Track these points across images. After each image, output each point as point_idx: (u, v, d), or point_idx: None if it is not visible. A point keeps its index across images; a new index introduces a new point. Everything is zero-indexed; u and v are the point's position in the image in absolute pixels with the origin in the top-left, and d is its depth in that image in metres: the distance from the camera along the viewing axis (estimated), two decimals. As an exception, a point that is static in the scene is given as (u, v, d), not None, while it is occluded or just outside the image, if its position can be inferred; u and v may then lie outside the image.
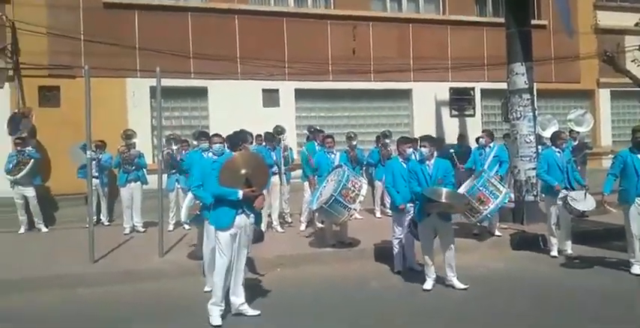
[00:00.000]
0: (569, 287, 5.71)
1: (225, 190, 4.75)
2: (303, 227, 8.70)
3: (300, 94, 11.86)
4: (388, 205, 9.36)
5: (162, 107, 7.54)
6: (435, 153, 5.99)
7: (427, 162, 5.84)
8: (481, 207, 6.54)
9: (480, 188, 6.58)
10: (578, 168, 9.79)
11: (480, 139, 8.41)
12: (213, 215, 4.94)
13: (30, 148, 9.09)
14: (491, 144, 8.29)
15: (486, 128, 10.30)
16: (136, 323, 4.94)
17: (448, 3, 13.12)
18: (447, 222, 5.77)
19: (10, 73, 9.87)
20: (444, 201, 5.49)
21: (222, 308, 4.84)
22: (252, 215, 4.96)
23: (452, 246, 5.74)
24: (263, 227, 7.77)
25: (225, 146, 5.48)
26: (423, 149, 5.86)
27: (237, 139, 5.16)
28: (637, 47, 11.45)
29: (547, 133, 9.71)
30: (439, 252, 5.78)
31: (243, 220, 4.87)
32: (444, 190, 5.67)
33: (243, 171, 4.79)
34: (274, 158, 8.52)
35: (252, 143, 5.08)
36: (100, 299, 5.69)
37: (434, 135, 11.72)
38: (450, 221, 5.83)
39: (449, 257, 5.72)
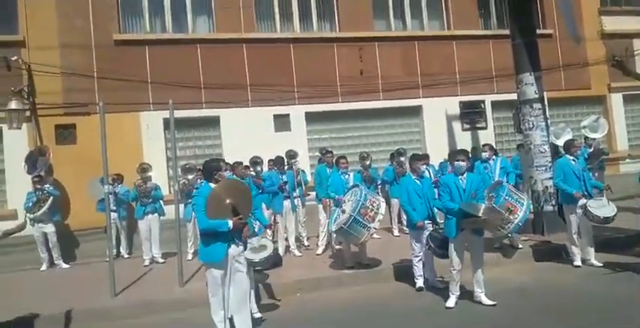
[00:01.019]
0: (596, 296, 5.58)
1: (215, 223, 4.67)
2: (320, 250, 8.66)
3: (310, 117, 11.96)
4: (405, 223, 9.36)
5: (175, 138, 7.66)
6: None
7: (460, 177, 5.78)
8: (511, 217, 6.47)
9: (506, 197, 6.54)
10: (596, 174, 9.70)
11: (483, 153, 8.36)
12: (204, 251, 4.82)
13: (48, 186, 9.25)
14: (494, 157, 8.29)
15: (487, 142, 10.07)
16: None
17: (452, 18, 13.23)
18: (479, 236, 5.70)
19: (28, 113, 10.13)
20: (481, 216, 5.42)
21: None
22: (240, 242, 4.91)
23: (482, 262, 5.66)
24: (281, 251, 7.80)
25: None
26: (461, 163, 5.77)
27: (211, 169, 5.02)
28: (645, 50, 11.40)
29: (561, 142, 9.61)
30: (464, 268, 5.68)
31: (234, 250, 4.82)
32: (482, 205, 5.62)
33: (227, 201, 4.73)
34: (282, 181, 8.55)
35: (226, 170, 4.97)
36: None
37: (447, 150, 11.87)
38: (482, 236, 5.75)
39: (479, 273, 5.62)
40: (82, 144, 10.35)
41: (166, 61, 11.07)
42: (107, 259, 7.02)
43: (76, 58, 10.60)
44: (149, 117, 10.95)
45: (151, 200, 8.94)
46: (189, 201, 8.77)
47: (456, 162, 5.79)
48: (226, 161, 7.88)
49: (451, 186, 5.70)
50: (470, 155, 6.47)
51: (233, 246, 4.81)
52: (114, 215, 9.05)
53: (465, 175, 5.77)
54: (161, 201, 9.17)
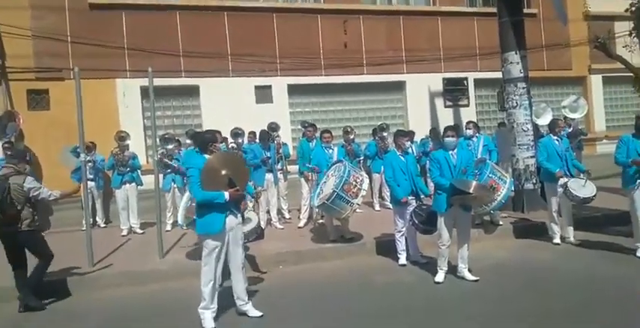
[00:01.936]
0: (576, 274, 5.68)
1: (211, 194, 4.58)
2: (302, 223, 8.63)
3: (293, 90, 11.77)
4: (387, 198, 9.38)
5: (154, 107, 7.40)
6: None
7: (451, 152, 5.73)
8: (494, 195, 6.52)
9: (490, 175, 6.57)
10: (574, 154, 9.84)
11: (467, 130, 8.26)
12: (200, 222, 4.74)
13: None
14: (477, 135, 8.27)
15: (471, 120, 10.08)
16: (138, 325, 4.85)
17: (438, -6, 13.07)
18: (467, 212, 5.71)
19: (-3, 77, 9.70)
20: (472, 193, 5.41)
21: (214, 309, 4.74)
22: (239, 215, 4.85)
23: (469, 237, 5.69)
24: (262, 224, 7.71)
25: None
26: (451, 138, 5.72)
27: (206, 140, 4.88)
28: (628, 33, 11.47)
29: (541, 121, 9.68)
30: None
31: (233, 221, 4.75)
32: (474, 182, 5.62)
33: (223, 172, 4.65)
34: (265, 156, 8.41)
35: (222, 142, 4.80)
36: (101, 302, 5.59)
37: (429, 126, 11.88)
38: (470, 211, 5.76)
39: (464, 248, 5.66)
40: (56, 111, 10.00)
41: (144, 27, 10.68)
42: (83, 228, 6.84)
43: (49, 20, 10.13)
44: (126, 85, 10.62)
45: (128, 169, 8.71)
46: (168, 171, 8.63)
47: (447, 138, 5.73)
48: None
49: (442, 162, 5.66)
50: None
51: (231, 216, 4.73)
52: (91, 184, 8.82)
53: (455, 151, 5.73)
54: (138, 171, 8.94)
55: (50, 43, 9.92)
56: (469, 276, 5.63)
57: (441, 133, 6.20)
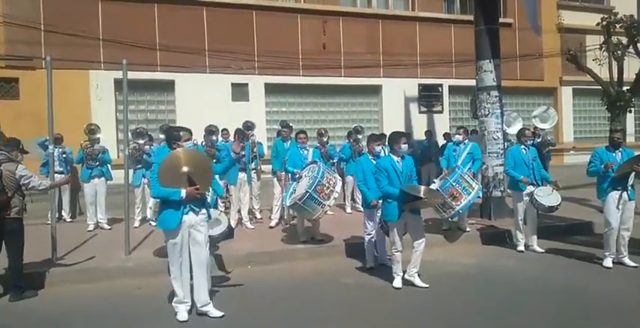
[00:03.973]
0: (538, 281, 5.82)
1: (167, 191, 4.51)
2: (273, 223, 8.62)
3: (270, 89, 11.75)
4: (359, 201, 9.43)
5: (128, 100, 7.29)
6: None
7: (397, 159, 5.79)
8: (453, 203, 6.63)
9: (454, 183, 6.66)
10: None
11: (457, 136, 8.27)
12: (159, 218, 4.70)
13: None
14: (466, 141, 8.30)
15: (462, 125, 10.10)
16: (100, 323, 4.78)
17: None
18: (417, 215, 5.76)
19: (-35, 63, 9.42)
20: (423, 197, 5.47)
21: (189, 303, 4.75)
22: (202, 211, 4.74)
23: (423, 240, 5.74)
24: (233, 223, 7.68)
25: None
26: (405, 146, 5.80)
27: (170, 138, 4.79)
28: (598, 46, 11.80)
29: (512, 130, 9.88)
30: (406, 248, 5.76)
31: (191, 218, 4.65)
32: (422, 187, 5.68)
33: (184, 170, 4.54)
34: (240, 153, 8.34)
35: (187, 140, 4.77)
36: (61, 298, 5.48)
37: (403, 131, 12.00)
38: (419, 214, 5.82)
39: (418, 252, 5.69)
40: (25, 100, 9.76)
41: (120, 18, 10.52)
42: (48, 222, 6.68)
43: (21, 7, 9.88)
44: (99, 77, 10.44)
45: (98, 163, 8.54)
46: (139, 166, 8.51)
47: (403, 145, 5.75)
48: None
49: (389, 170, 5.68)
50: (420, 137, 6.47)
51: (191, 213, 4.65)
52: (60, 176, 8.61)
53: (400, 157, 5.80)
54: (108, 165, 8.78)
55: (23, 31, 9.70)
56: (419, 282, 5.62)
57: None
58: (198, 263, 4.74)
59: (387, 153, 8.41)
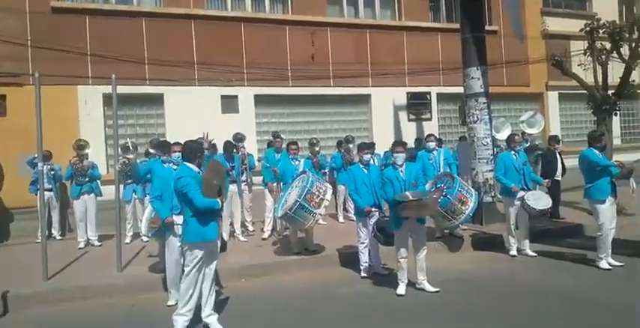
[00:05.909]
0: (532, 284, 5.84)
1: (211, 201, 4.67)
2: (266, 235, 8.58)
3: (259, 100, 11.76)
4: (351, 210, 9.43)
5: (117, 115, 7.26)
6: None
7: (400, 168, 5.86)
8: (463, 208, 6.66)
9: (460, 189, 6.72)
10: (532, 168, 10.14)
11: (430, 143, 8.39)
12: (193, 229, 4.67)
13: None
14: (438, 148, 8.48)
15: (431, 133, 10.19)
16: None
17: (403, 9, 13.35)
18: (422, 224, 5.82)
19: (-49, 80, 9.33)
20: (411, 198, 5.51)
21: (188, 318, 4.75)
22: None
23: (425, 248, 5.78)
24: (225, 236, 7.64)
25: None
26: (400, 154, 5.87)
27: (195, 150, 4.89)
28: (582, 52, 11.97)
29: (501, 136, 9.97)
30: (409, 256, 5.79)
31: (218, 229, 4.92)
32: (408, 191, 5.71)
33: (215, 182, 4.83)
34: (228, 166, 8.33)
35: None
36: (54, 316, 5.40)
37: (393, 139, 12.04)
38: (424, 223, 5.87)
39: (421, 260, 5.75)
40: (12, 117, 9.66)
41: (108, 33, 10.49)
42: (38, 240, 6.60)
43: (8, 23, 9.84)
44: (88, 92, 10.38)
45: (87, 179, 8.46)
46: (129, 181, 8.45)
47: (395, 154, 5.90)
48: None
49: (392, 179, 5.82)
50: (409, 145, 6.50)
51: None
52: (49, 194, 8.56)
53: (403, 166, 5.87)
54: (98, 181, 8.71)
55: (9, 47, 9.64)
56: (429, 288, 5.72)
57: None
58: (210, 274, 4.87)
59: (375, 162, 8.52)
